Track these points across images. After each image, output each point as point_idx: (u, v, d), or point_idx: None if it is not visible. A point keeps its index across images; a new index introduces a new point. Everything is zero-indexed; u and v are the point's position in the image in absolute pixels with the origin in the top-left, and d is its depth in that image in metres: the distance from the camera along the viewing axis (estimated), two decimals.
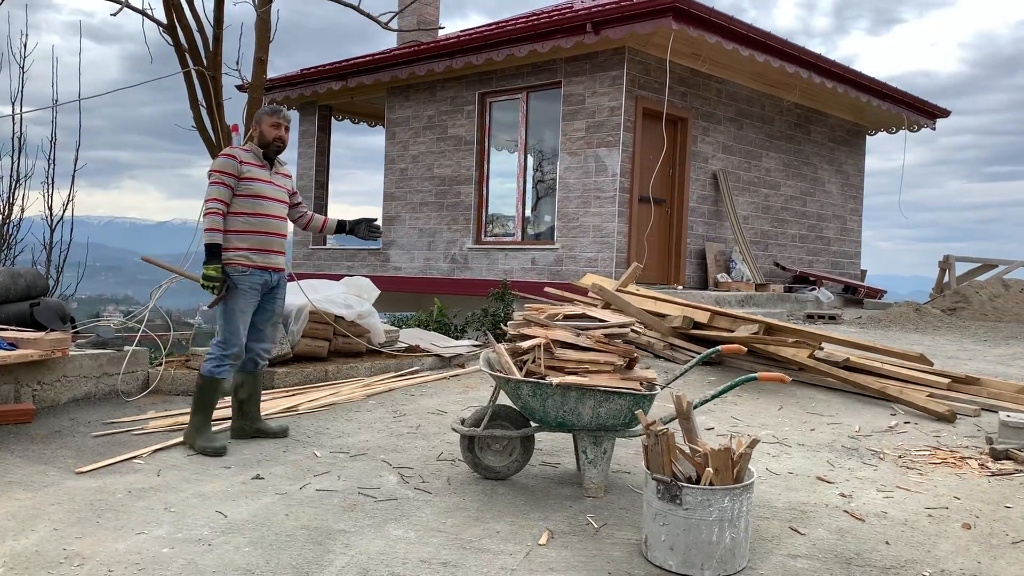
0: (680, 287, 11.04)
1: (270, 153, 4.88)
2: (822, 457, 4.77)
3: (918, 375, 6.20)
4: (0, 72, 8.05)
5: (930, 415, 5.68)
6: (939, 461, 4.73)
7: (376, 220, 5.30)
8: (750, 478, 3.32)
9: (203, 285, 4.67)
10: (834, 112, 14.07)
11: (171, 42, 6.19)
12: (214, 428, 4.90)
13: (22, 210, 8.21)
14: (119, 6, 5.67)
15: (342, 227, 5.30)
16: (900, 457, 4.80)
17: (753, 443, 3.30)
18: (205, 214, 4.68)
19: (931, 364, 6.33)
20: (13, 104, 7.46)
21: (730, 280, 11.42)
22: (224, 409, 5.28)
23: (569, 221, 10.79)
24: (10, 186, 7.71)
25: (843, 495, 4.10)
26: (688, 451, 3.41)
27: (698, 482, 3.29)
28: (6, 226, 7.70)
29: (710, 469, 3.24)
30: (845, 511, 3.87)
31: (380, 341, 7.02)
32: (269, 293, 4.92)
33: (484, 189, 12.02)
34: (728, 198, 11.85)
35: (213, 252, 4.65)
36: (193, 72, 6.29)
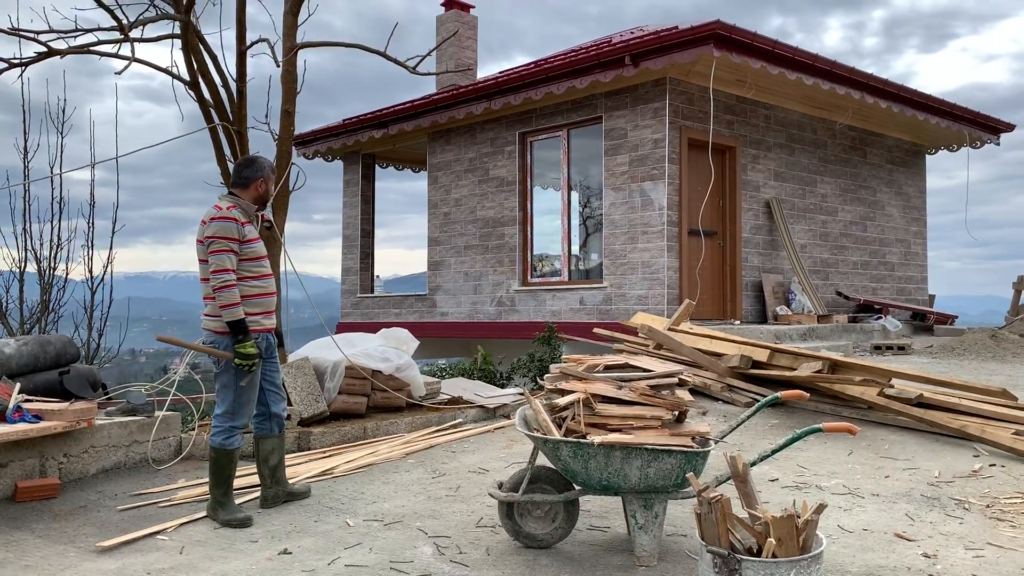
0: (737, 322, 10.59)
1: (260, 208, 4.69)
2: (900, 509, 4.32)
3: (1001, 411, 5.68)
4: (65, 137, 8.14)
5: (1018, 456, 5.17)
6: None
7: None
8: (818, 546, 2.94)
9: (239, 365, 4.38)
10: (890, 132, 13.53)
11: (195, 98, 6.12)
12: (238, 501, 4.68)
13: (66, 273, 8.22)
14: (130, 63, 5.61)
15: None
16: (988, 507, 4.33)
17: (820, 508, 2.92)
18: (221, 287, 4.33)
19: (1015, 399, 5.80)
20: (52, 167, 7.49)
21: (790, 312, 10.91)
22: (246, 477, 5.06)
23: (617, 258, 10.47)
24: (50, 252, 7.72)
25: (926, 555, 3.67)
26: (747, 518, 3.05)
27: (759, 554, 2.92)
28: (47, 292, 7.70)
29: (772, 539, 2.87)
30: (930, 575, 3.43)
31: (420, 394, 6.76)
32: (268, 352, 4.71)
33: (528, 229, 11.79)
34: (783, 227, 11.39)
35: (243, 328, 4.37)
36: (219, 128, 6.20)
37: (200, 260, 4.48)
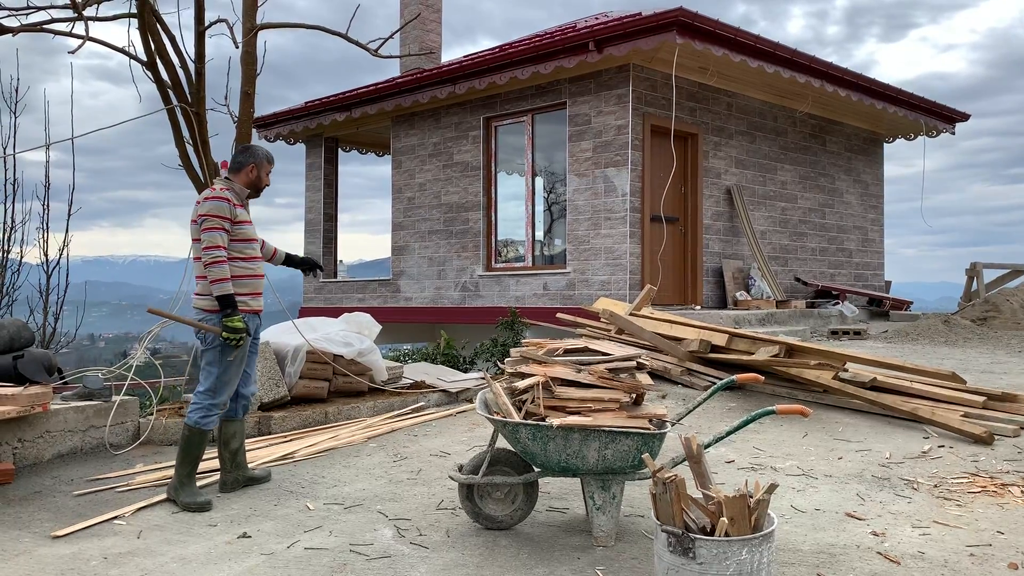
0: (698, 307, 10.71)
1: (253, 196, 4.81)
2: (851, 490, 4.43)
3: (951, 393, 5.83)
4: (19, 117, 7.95)
5: (966, 437, 5.32)
6: (979, 490, 4.38)
7: (320, 268, 5.44)
8: (770, 525, 3.00)
9: (227, 339, 4.44)
10: (849, 121, 13.73)
11: (153, 79, 6.03)
12: (200, 484, 4.67)
13: (20, 256, 8.07)
14: (84, 41, 5.50)
15: (290, 261, 5.30)
16: (936, 487, 4.45)
17: (771, 488, 2.98)
18: (212, 263, 4.43)
19: (964, 382, 5.96)
20: (3, 148, 7.32)
21: (749, 298, 11.07)
22: (206, 461, 5.04)
23: (580, 244, 10.52)
24: (4, 233, 7.57)
25: (875, 533, 3.77)
26: (701, 498, 3.10)
27: (712, 532, 2.98)
28: (1, 275, 7.55)
29: (724, 519, 2.93)
30: (878, 553, 3.53)
31: (383, 379, 6.75)
32: (253, 335, 4.76)
33: (493, 214, 11.79)
34: (744, 213, 11.53)
35: (231, 303, 4.45)
36: (177, 109, 6.12)
37: (193, 240, 4.58)
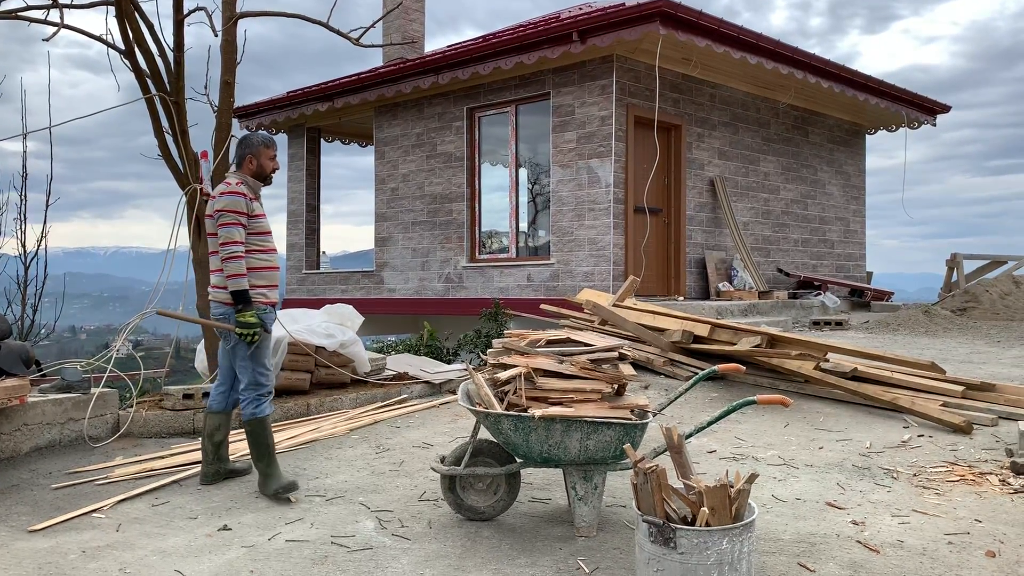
0: (681, 298, 10.74)
1: (264, 185, 4.76)
2: (832, 479, 4.46)
3: (931, 383, 5.88)
4: None
5: (945, 427, 5.36)
6: (957, 479, 4.41)
7: None
8: (750, 515, 3.02)
9: (241, 334, 4.43)
10: (832, 113, 13.78)
11: (131, 68, 5.96)
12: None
13: None
14: (59, 29, 5.41)
15: None
16: (915, 476, 4.48)
17: (752, 478, 3.00)
18: (229, 258, 4.42)
19: (943, 372, 6.01)
20: None
21: (732, 289, 11.11)
22: (187, 453, 5.01)
23: (564, 235, 10.52)
24: None
25: (855, 522, 3.79)
26: (682, 488, 3.11)
27: (693, 522, 2.99)
28: None
29: (705, 508, 2.94)
30: (858, 541, 3.56)
31: (365, 371, 6.73)
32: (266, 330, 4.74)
33: (476, 205, 11.76)
34: (726, 205, 11.56)
35: (246, 298, 4.45)
36: (156, 99, 6.05)
37: (209, 234, 4.56)
